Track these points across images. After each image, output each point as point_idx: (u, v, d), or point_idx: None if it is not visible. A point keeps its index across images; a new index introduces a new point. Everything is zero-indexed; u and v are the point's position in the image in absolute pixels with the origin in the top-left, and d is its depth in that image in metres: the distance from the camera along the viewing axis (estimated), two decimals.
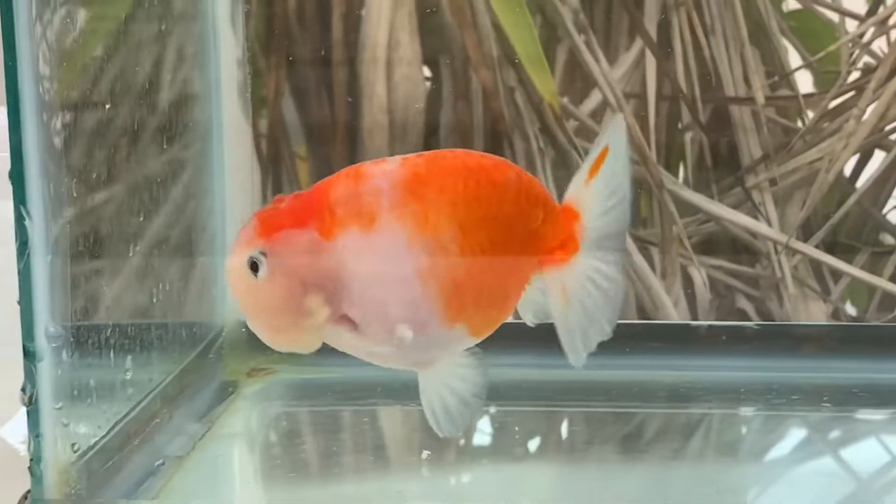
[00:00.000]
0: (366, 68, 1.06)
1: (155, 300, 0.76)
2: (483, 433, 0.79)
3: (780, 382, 0.85)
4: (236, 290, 0.58)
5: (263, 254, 0.57)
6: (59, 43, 0.64)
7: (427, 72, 1.07)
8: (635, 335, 0.89)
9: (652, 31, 1.07)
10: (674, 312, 1.05)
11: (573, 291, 0.61)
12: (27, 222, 0.62)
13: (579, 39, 1.06)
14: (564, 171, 1.07)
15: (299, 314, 0.58)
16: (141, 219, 0.74)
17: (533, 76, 0.93)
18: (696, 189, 1.07)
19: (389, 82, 1.07)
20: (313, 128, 1.07)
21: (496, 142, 1.08)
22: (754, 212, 1.07)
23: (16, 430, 0.81)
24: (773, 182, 1.08)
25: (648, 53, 1.09)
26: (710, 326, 0.89)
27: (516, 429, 0.80)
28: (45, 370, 0.63)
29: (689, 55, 1.08)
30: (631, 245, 1.05)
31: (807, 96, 1.10)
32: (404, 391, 0.81)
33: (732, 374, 0.85)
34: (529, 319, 0.63)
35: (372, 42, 1.06)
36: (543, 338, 0.89)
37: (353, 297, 0.58)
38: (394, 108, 1.07)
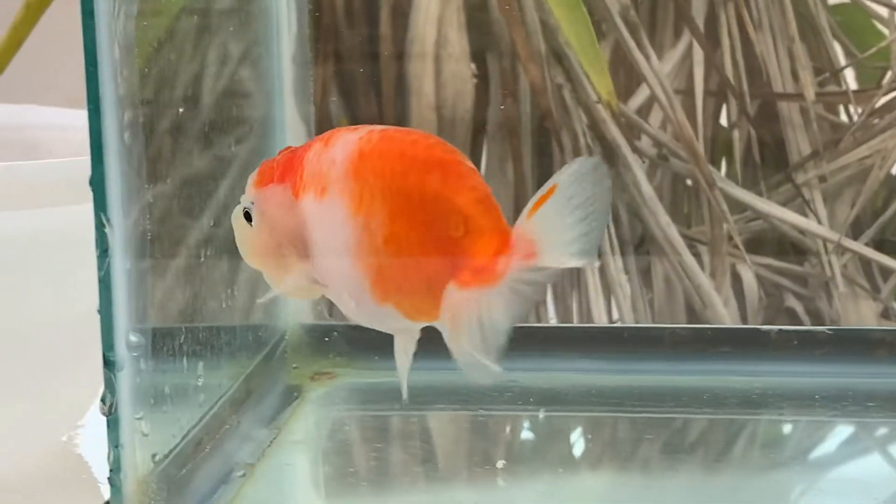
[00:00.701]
0: (413, 65, 1.03)
1: (224, 304, 0.73)
2: (556, 441, 0.77)
3: (854, 388, 0.82)
4: (238, 237, 0.61)
5: (252, 203, 0.60)
6: (139, 47, 0.62)
7: (474, 68, 1.05)
8: (704, 340, 0.87)
9: (699, 26, 1.05)
10: (724, 311, 1.03)
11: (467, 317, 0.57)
12: (107, 230, 0.60)
13: (628, 35, 1.04)
14: (612, 168, 1.05)
15: (282, 267, 0.60)
16: (211, 223, 0.72)
17: (591, 74, 0.91)
18: (743, 186, 1.06)
19: (438, 79, 1.05)
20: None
21: (544, 138, 1.06)
22: (802, 209, 1.06)
23: (84, 440, 0.79)
24: (822, 179, 1.06)
25: (695, 49, 1.07)
26: (780, 330, 0.87)
27: (589, 437, 0.78)
28: (126, 379, 0.61)
29: (736, 50, 1.06)
30: (679, 243, 1.03)
31: (857, 92, 1.08)
32: (474, 396, 0.80)
33: (806, 379, 0.83)
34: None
35: (420, 39, 1.04)
36: (610, 342, 0.88)
37: (314, 260, 0.59)
38: (442, 105, 1.05)
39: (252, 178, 0.61)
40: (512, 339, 0.82)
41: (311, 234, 0.59)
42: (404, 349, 0.60)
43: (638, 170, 1.04)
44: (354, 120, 1.04)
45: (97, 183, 0.60)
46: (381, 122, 1.05)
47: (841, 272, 1.05)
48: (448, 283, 0.56)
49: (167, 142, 0.66)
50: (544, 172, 1.05)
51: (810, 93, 1.05)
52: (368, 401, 0.80)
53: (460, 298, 0.56)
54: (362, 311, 0.59)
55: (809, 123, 1.06)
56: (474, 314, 0.56)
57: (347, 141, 0.58)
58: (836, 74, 1.08)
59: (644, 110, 1.06)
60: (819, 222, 1.04)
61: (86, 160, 0.69)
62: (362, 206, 0.57)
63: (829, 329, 0.85)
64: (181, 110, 0.69)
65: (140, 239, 0.62)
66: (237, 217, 0.61)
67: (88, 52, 0.58)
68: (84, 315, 0.74)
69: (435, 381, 0.76)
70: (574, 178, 0.56)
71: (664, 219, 1.04)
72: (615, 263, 1.04)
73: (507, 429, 0.79)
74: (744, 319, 1.05)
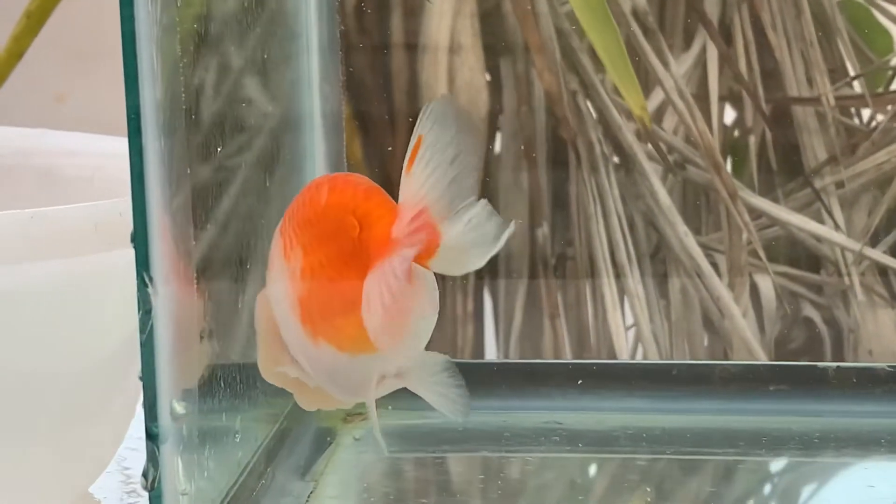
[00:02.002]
0: (426, 74, 0.97)
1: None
2: (608, 484, 0.71)
3: None
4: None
5: None
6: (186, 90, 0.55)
7: (488, 76, 0.99)
8: (758, 377, 0.80)
9: (712, 32, 1.00)
10: (743, 322, 0.97)
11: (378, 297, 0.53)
12: (150, 290, 0.53)
13: (643, 39, 0.98)
14: (628, 177, 0.99)
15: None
16: (248, 266, 0.65)
17: (621, 89, 0.85)
18: (760, 193, 1.00)
19: (451, 88, 0.98)
20: (371, 136, 0.98)
21: (559, 148, 1.00)
22: (819, 216, 1.00)
23: (104, 486, 0.72)
24: (839, 185, 1.01)
25: (709, 53, 1.01)
26: (837, 367, 0.80)
27: (638, 480, 0.71)
28: (169, 452, 0.54)
29: (751, 53, 1.00)
30: (697, 254, 0.98)
31: (876, 96, 1.03)
32: (520, 439, 0.73)
33: (867, 420, 0.76)
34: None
35: (433, 46, 0.98)
36: (658, 381, 0.81)
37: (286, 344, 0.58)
38: None
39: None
40: (553, 377, 0.76)
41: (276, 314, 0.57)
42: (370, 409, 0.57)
43: (655, 178, 0.98)
44: (366, 134, 0.98)
45: (140, 239, 0.53)
46: (392, 135, 0.99)
47: (859, 280, 0.99)
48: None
49: (210, 191, 0.59)
50: (560, 182, 1.00)
51: (829, 97, 0.99)
52: (406, 444, 0.73)
53: (375, 281, 0.52)
54: (312, 364, 0.56)
55: (826, 128, 1.00)
56: (384, 289, 0.52)
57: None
58: (855, 78, 1.03)
59: (656, 115, 1.00)
60: (838, 229, 0.99)
61: (113, 203, 0.62)
62: (289, 253, 0.55)
63: (888, 366, 0.79)
64: (222, 149, 0.62)
65: (187, 299, 0.55)
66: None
67: (132, 118, 0.51)
68: (107, 362, 0.67)
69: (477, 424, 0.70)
70: (433, 121, 0.53)
71: (682, 228, 0.98)
72: (632, 274, 0.98)
73: (555, 473, 0.73)
74: (761, 330, 0.99)
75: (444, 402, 0.56)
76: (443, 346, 1.03)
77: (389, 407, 0.68)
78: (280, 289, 0.56)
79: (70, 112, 1.48)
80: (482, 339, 1.00)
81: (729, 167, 1.00)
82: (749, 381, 0.80)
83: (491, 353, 0.99)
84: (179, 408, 0.54)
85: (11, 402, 0.64)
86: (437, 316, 0.55)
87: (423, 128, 0.53)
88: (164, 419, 0.54)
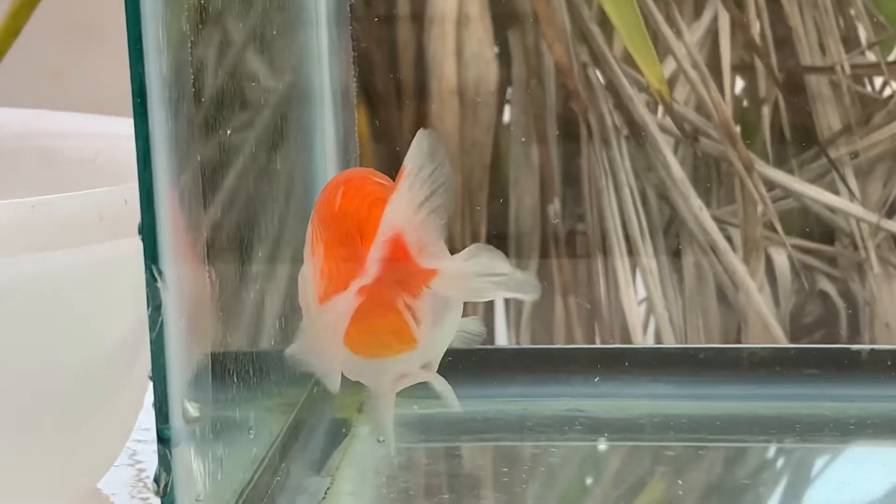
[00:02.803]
0: (433, 47, 0.93)
1: (273, 342, 0.62)
2: (634, 473, 0.67)
3: None
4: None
5: None
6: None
7: (497, 48, 0.94)
8: (786, 361, 0.76)
9: None
10: (759, 297, 0.93)
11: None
12: (160, 285, 0.49)
13: (653, 4, 0.93)
14: (640, 149, 0.95)
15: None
16: (261, 253, 0.60)
17: (639, 61, 0.80)
18: (774, 164, 0.96)
19: (459, 62, 0.94)
20: (379, 111, 0.94)
21: (569, 121, 0.96)
22: (833, 187, 0.96)
23: (113, 481, 0.68)
24: (853, 155, 0.96)
25: (721, 21, 0.97)
26: (871, 350, 0.76)
27: (667, 470, 0.67)
28: (182, 455, 0.50)
29: (764, 21, 0.96)
30: (712, 227, 0.94)
31: (891, 65, 0.99)
32: (539, 428, 0.69)
33: None
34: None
35: (440, 19, 0.93)
36: (683, 366, 0.77)
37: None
38: (464, 88, 0.94)
39: None
40: (574, 363, 0.72)
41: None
42: (381, 407, 0.55)
43: (667, 150, 0.94)
44: (373, 109, 0.94)
45: (148, 230, 0.48)
46: (400, 109, 0.94)
47: (875, 253, 0.96)
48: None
49: (219, 172, 0.55)
50: (570, 156, 0.95)
51: (844, 65, 0.95)
52: (423, 435, 0.69)
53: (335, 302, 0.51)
54: (334, 363, 0.54)
55: (840, 97, 0.96)
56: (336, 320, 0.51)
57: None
58: (870, 47, 0.99)
59: (671, 84, 0.96)
60: (854, 200, 0.95)
61: (118, 190, 0.57)
62: (314, 251, 0.53)
63: None
64: (231, 133, 0.57)
65: (199, 292, 0.51)
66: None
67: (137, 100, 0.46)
68: (113, 353, 0.63)
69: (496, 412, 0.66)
70: (418, 154, 0.51)
71: (696, 202, 0.94)
72: (644, 248, 0.94)
73: (578, 461, 0.69)
74: (776, 303, 0.96)
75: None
76: None
77: (406, 396, 0.64)
78: (307, 282, 0.54)
79: (67, 89, 1.44)
80: (493, 318, 0.96)
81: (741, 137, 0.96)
82: (779, 366, 0.76)
83: (501, 333, 0.95)
84: (192, 409, 0.50)
85: (16, 397, 0.60)
86: (461, 311, 0.54)
87: (408, 159, 0.52)
88: (176, 421, 0.49)
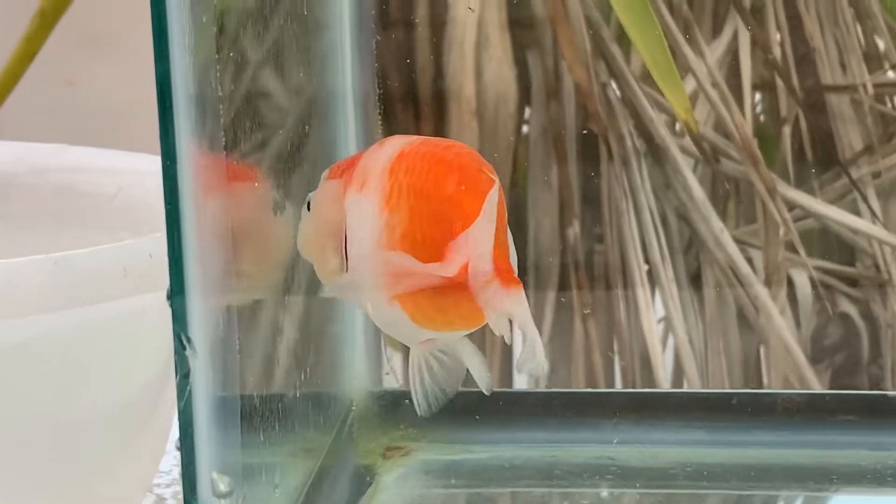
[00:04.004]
0: (453, 68, 0.90)
1: (297, 393, 0.60)
2: None
3: None
4: (300, 223, 0.58)
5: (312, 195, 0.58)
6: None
7: (516, 70, 0.92)
8: (823, 407, 0.73)
9: (745, 15, 0.93)
10: (781, 322, 0.91)
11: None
12: (188, 352, 0.46)
13: (672, 23, 0.91)
14: (659, 170, 0.93)
15: (322, 258, 0.57)
16: (290, 304, 0.58)
17: (665, 90, 0.78)
18: (795, 184, 0.94)
19: (478, 83, 0.91)
20: (399, 133, 0.92)
21: (589, 142, 0.93)
22: (854, 207, 0.94)
23: None
24: (875, 175, 0.94)
25: (741, 40, 0.94)
26: None
27: None
28: None
29: (784, 40, 0.94)
30: (733, 250, 0.92)
31: None
32: (569, 476, 0.67)
33: None
34: (497, 329, 0.54)
35: (459, 41, 0.91)
36: (715, 411, 0.75)
37: (348, 252, 0.56)
38: (483, 109, 0.92)
39: (324, 174, 0.59)
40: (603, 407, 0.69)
41: (348, 227, 0.56)
42: (415, 359, 0.55)
43: (688, 172, 0.91)
44: (391, 132, 0.91)
45: (177, 296, 0.46)
46: (418, 131, 0.92)
47: None
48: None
49: (250, 237, 0.52)
50: (589, 177, 0.93)
51: (867, 85, 0.93)
52: (451, 481, 0.66)
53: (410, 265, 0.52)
54: (377, 312, 0.55)
55: (862, 116, 0.94)
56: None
57: (395, 143, 0.56)
58: (882, 62, 0.96)
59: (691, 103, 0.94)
60: (876, 221, 0.93)
61: (141, 243, 0.55)
62: (389, 203, 0.54)
63: None
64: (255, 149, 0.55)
65: (230, 358, 0.48)
66: (304, 206, 0.59)
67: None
68: (135, 402, 0.61)
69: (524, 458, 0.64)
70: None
71: (717, 224, 0.91)
72: (665, 271, 0.92)
73: None
74: (797, 325, 0.93)
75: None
76: (473, 335, 0.97)
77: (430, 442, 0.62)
78: (367, 227, 0.54)
79: (80, 96, 1.42)
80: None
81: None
82: (814, 412, 0.73)
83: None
84: (223, 484, 0.48)
85: (37, 450, 0.57)
86: None
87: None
88: (205, 496, 0.47)
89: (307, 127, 0.66)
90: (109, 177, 0.69)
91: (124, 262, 0.54)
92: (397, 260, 0.52)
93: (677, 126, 0.91)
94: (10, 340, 0.53)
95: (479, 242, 0.51)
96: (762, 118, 0.96)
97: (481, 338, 0.92)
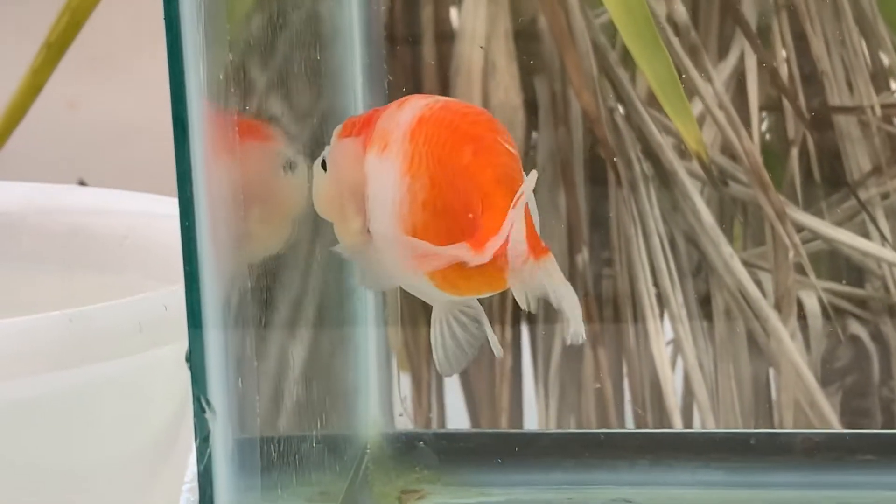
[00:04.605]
0: (461, 95, 0.90)
1: (313, 441, 0.59)
2: None
3: None
4: (313, 183, 0.58)
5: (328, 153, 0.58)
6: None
7: (523, 95, 0.91)
8: (843, 447, 0.72)
9: (751, 38, 0.92)
10: (792, 346, 0.90)
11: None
12: (208, 415, 0.45)
13: (683, 54, 0.90)
14: (667, 194, 0.92)
15: (342, 217, 0.57)
16: (303, 350, 0.57)
17: (676, 121, 0.77)
18: (804, 205, 0.93)
19: (487, 108, 0.91)
20: None
21: (597, 168, 0.93)
22: (863, 228, 0.93)
23: None
24: (884, 196, 0.93)
25: (748, 62, 0.93)
26: None
27: None
28: None
29: (791, 61, 0.93)
30: (743, 276, 0.91)
31: None
32: None
33: None
34: (523, 301, 0.54)
35: (466, 68, 0.90)
36: (734, 451, 0.74)
37: (370, 215, 0.56)
38: None
39: (336, 130, 0.58)
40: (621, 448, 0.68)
41: (370, 190, 0.55)
42: (438, 318, 0.55)
43: (696, 197, 0.91)
44: None
45: (196, 361, 0.45)
46: None
47: None
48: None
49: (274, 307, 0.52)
50: (598, 202, 0.92)
51: (875, 107, 0.92)
52: None
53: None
54: (400, 277, 0.55)
55: (870, 136, 0.93)
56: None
57: (416, 105, 0.55)
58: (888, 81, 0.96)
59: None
60: (885, 244, 0.92)
61: (156, 297, 0.54)
62: (411, 169, 0.54)
63: None
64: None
65: (250, 420, 0.47)
66: (316, 165, 0.58)
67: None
68: (148, 451, 0.60)
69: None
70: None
71: (727, 249, 0.91)
72: (675, 296, 0.91)
73: None
74: (807, 347, 0.93)
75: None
76: (481, 369, 0.96)
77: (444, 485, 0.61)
78: (389, 192, 0.54)
79: (82, 119, 1.41)
80: (520, 368, 0.93)
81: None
82: (834, 451, 0.72)
83: (529, 383, 0.93)
84: None
85: (52, 497, 0.57)
86: None
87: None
88: None
89: None
90: (120, 218, 0.68)
91: (139, 317, 0.53)
92: (425, 247, 0.52)
93: (684, 149, 0.91)
94: (25, 396, 0.52)
95: (515, 228, 0.51)
96: (770, 139, 0.95)
97: (490, 374, 0.92)
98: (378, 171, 0.55)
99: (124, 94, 1.33)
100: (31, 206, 0.70)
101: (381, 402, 0.70)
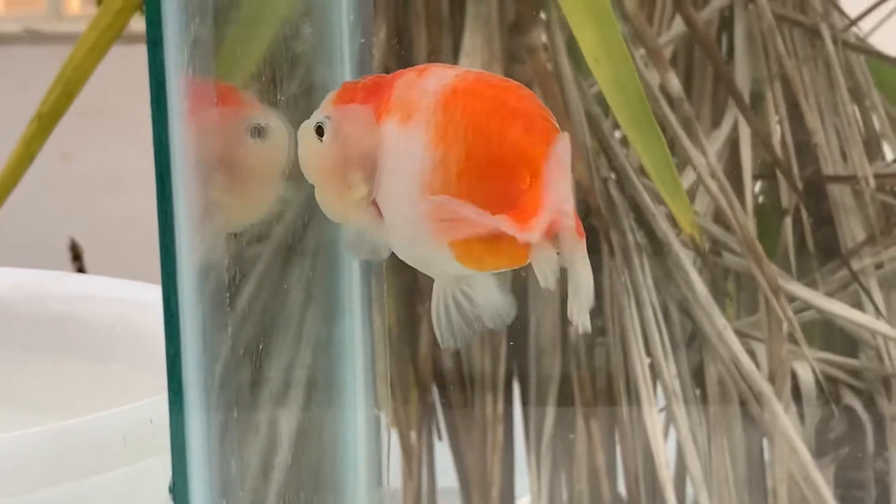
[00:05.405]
0: None
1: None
2: None
3: None
4: (302, 150, 0.56)
5: (329, 118, 0.55)
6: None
7: None
8: None
9: (744, 109, 0.91)
10: (786, 420, 0.89)
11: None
12: None
13: (678, 125, 0.89)
14: (660, 264, 0.91)
15: (344, 185, 0.55)
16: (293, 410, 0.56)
17: (670, 204, 0.76)
18: (798, 275, 0.92)
19: None
20: None
21: (591, 237, 0.92)
22: (857, 297, 0.92)
23: None
24: (878, 266, 0.93)
25: (742, 130, 0.92)
26: None
27: None
28: None
29: (785, 130, 0.92)
30: (737, 346, 0.90)
31: None
32: None
33: None
34: (543, 279, 0.53)
35: None
36: None
37: (381, 184, 0.54)
38: None
39: (330, 97, 0.56)
40: None
41: (385, 160, 0.54)
42: (442, 292, 0.54)
43: (690, 267, 0.90)
44: None
45: (180, 492, 0.44)
46: None
47: None
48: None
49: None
50: (592, 272, 0.91)
51: (869, 179, 0.91)
52: None
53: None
54: (415, 247, 0.54)
55: (863, 206, 0.92)
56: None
57: (443, 75, 0.54)
58: (881, 150, 0.95)
59: (690, 196, 0.92)
60: (880, 317, 0.91)
61: (141, 407, 0.53)
62: (444, 139, 0.52)
63: None
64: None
65: None
66: (307, 130, 0.56)
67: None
68: None
69: None
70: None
71: (720, 321, 0.89)
72: (668, 368, 0.90)
73: None
74: (801, 418, 0.92)
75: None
76: (472, 441, 0.95)
77: None
78: (413, 165, 0.53)
79: (76, 170, 1.40)
80: (511, 441, 0.92)
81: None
82: None
83: (521, 453, 0.92)
84: None
85: None
86: None
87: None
88: None
89: None
90: (110, 306, 0.67)
91: (124, 430, 0.51)
92: (468, 211, 0.51)
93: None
94: None
95: (565, 201, 0.50)
96: (764, 205, 0.95)
97: (482, 446, 0.90)
98: (399, 143, 0.53)
99: (117, 145, 1.31)
100: (21, 293, 0.69)
101: (367, 494, 0.69)
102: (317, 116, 0.56)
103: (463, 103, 0.53)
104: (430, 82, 0.53)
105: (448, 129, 0.52)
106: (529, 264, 0.53)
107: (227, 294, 0.48)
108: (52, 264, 1.23)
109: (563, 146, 0.50)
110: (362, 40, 0.73)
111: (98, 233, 1.18)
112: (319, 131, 0.56)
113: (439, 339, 0.54)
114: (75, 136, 1.34)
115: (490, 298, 0.55)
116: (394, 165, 0.53)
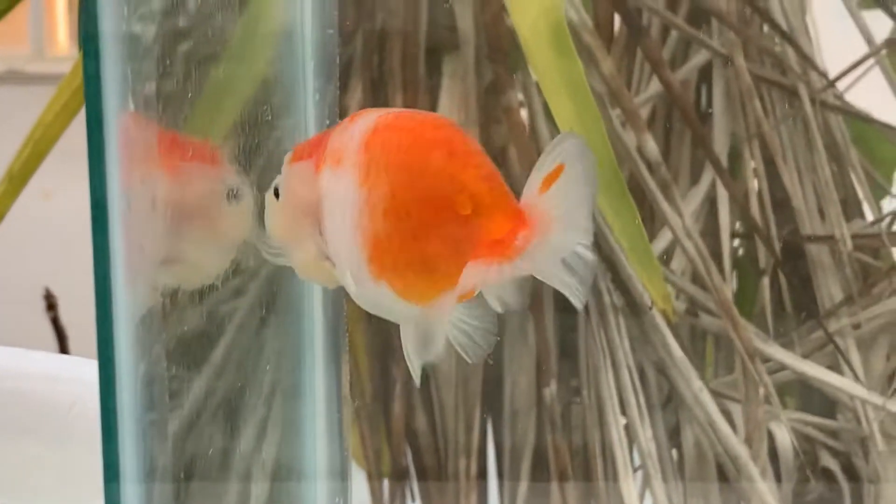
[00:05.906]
0: None
1: None
2: None
3: None
4: (266, 213, 0.57)
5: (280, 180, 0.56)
6: None
7: None
8: None
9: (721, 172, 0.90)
10: (763, 486, 0.88)
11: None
12: None
13: (656, 188, 0.88)
14: (637, 325, 0.90)
15: (300, 239, 0.55)
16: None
17: (642, 276, 0.74)
18: (775, 335, 0.91)
19: None
20: None
21: (566, 298, 0.90)
22: (834, 357, 0.91)
23: None
24: (856, 326, 0.91)
25: (719, 191, 0.91)
26: None
27: None
28: None
29: (763, 190, 0.90)
30: (712, 409, 0.89)
31: (893, 235, 0.93)
32: None
33: None
34: (493, 303, 0.52)
35: None
36: None
37: (325, 231, 0.54)
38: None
39: (287, 158, 0.56)
40: None
41: (324, 206, 0.54)
42: (410, 336, 0.53)
43: (666, 328, 0.88)
44: None
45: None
46: None
47: (879, 427, 0.90)
48: (450, 262, 0.51)
49: None
50: (567, 332, 0.90)
51: (846, 240, 0.90)
52: None
53: (480, 272, 0.50)
54: (361, 289, 0.53)
55: (841, 265, 0.91)
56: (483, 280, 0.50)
57: (368, 118, 0.53)
58: (860, 209, 0.93)
59: (668, 254, 0.91)
60: (858, 381, 0.90)
61: None
62: (368, 179, 0.52)
63: None
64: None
65: None
66: (269, 194, 0.56)
67: None
68: None
69: None
70: (575, 157, 0.50)
71: (696, 384, 0.88)
72: (643, 430, 0.88)
73: None
74: (777, 480, 0.90)
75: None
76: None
77: None
78: (346, 204, 0.52)
79: (56, 208, 1.39)
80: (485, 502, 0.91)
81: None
82: None
83: None
84: None
85: None
86: None
87: (561, 157, 0.50)
88: None
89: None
90: (67, 385, 0.65)
91: None
92: (449, 299, 0.51)
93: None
94: None
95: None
96: (742, 264, 0.93)
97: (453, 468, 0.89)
98: (332, 187, 0.54)
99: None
100: None
101: None
102: (276, 180, 0.57)
103: (381, 141, 0.52)
104: (356, 125, 0.53)
105: (371, 168, 0.52)
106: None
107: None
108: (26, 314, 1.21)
109: (490, 166, 0.50)
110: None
111: (73, 282, 1.16)
112: (276, 193, 0.56)
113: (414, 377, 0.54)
114: (55, 174, 1.33)
115: (493, 308, 0.53)
116: (331, 210, 0.54)
